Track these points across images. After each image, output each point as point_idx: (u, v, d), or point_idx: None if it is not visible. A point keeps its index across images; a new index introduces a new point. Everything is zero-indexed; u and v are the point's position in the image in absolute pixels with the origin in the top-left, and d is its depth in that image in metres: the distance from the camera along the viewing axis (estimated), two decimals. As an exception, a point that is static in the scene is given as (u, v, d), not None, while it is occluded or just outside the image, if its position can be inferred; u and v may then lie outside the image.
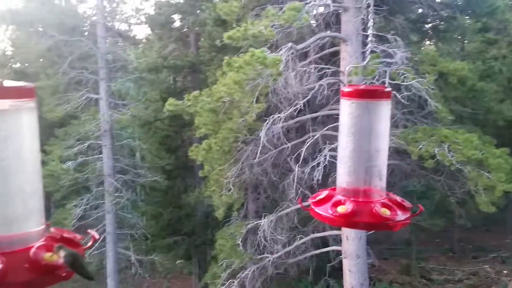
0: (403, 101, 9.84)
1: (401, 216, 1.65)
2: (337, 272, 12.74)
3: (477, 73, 12.43)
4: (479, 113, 13.17)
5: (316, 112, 11.93)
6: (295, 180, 11.09)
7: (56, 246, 1.17)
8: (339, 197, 1.75)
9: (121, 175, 14.79)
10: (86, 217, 14.24)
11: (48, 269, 1.14)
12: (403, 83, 9.79)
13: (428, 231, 16.93)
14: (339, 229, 11.61)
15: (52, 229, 1.30)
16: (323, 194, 1.81)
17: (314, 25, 11.85)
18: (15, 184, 1.19)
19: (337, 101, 11.34)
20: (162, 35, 17.43)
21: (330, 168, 10.71)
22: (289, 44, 10.02)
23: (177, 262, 17.37)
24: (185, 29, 18.00)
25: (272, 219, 11.92)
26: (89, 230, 1.42)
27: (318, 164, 10.70)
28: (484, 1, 13.25)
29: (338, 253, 11.89)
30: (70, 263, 1.14)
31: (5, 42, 18.63)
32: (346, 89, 1.73)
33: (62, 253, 1.14)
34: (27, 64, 18.13)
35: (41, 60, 15.53)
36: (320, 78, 11.13)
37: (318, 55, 11.51)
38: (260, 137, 10.76)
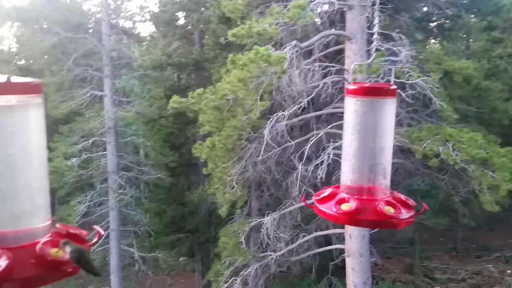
0: (407, 99, 9.82)
1: (405, 214, 1.64)
2: (340, 270, 12.73)
3: (482, 72, 12.39)
4: (484, 112, 13.12)
5: (320, 110, 11.91)
6: (299, 178, 11.09)
7: (62, 242, 1.17)
8: (343, 195, 1.75)
9: (125, 172, 14.84)
10: (90, 213, 14.30)
11: (54, 265, 1.15)
12: (407, 82, 9.76)
13: (432, 230, 16.89)
14: (342, 227, 11.61)
15: (58, 225, 1.30)
16: (327, 192, 1.81)
17: (319, 23, 11.83)
18: (22, 180, 1.19)
19: (341, 99, 11.32)
20: (167, 32, 17.45)
21: (334, 166, 10.70)
22: (294, 42, 10.01)
23: (180, 259, 17.41)
24: (190, 27, 18.01)
25: (275, 217, 11.92)
26: (94, 226, 1.43)
27: (322, 162, 10.70)
28: (489, 0, 13.18)
29: (341, 251, 11.89)
30: (76, 258, 1.14)
31: (10, 39, 18.73)
32: (351, 86, 1.73)
33: (68, 249, 1.15)
34: (32, 61, 18.21)
35: (46, 57, 15.59)
36: (325, 76, 11.11)
37: (322, 53, 11.49)
38: (264, 135, 10.76)
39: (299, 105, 11.00)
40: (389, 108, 1.72)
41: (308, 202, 1.92)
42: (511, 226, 20.15)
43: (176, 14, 17.69)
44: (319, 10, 10.93)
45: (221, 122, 10.95)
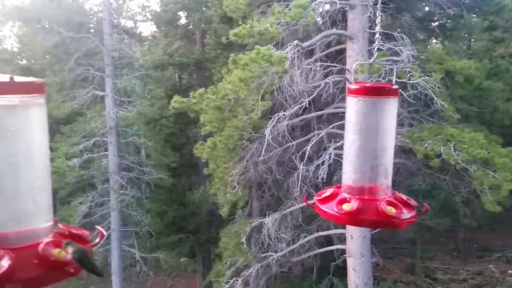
0: (409, 99, 9.81)
1: (406, 214, 1.64)
2: (341, 271, 12.73)
3: (484, 72, 12.34)
4: (485, 112, 13.11)
5: (322, 110, 11.91)
6: (300, 179, 11.09)
7: (65, 242, 1.17)
8: (344, 194, 1.75)
9: (126, 173, 14.84)
10: (91, 214, 14.30)
11: (57, 265, 1.15)
12: (409, 81, 9.76)
13: (433, 230, 16.88)
14: (344, 227, 11.61)
15: (60, 225, 1.30)
16: (329, 192, 1.81)
17: (320, 22, 11.82)
18: (24, 180, 1.19)
19: (343, 99, 11.34)
20: (168, 32, 17.45)
21: (335, 166, 10.70)
22: (295, 42, 10.00)
23: (181, 260, 17.40)
24: (191, 27, 18.02)
25: (277, 217, 11.92)
26: (96, 226, 1.43)
27: (323, 162, 10.70)
28: (491, 0, 13.18)
29: (343, 252, 11.89)
30: (79, 259, 1.14)
31: (12, 39, 18.76)
32: (353, 86, 1.73)
33: (70, 249, 1.15)
34: (33, 61, 18.22)
35: (48, 56, 15.59)
36: (326, 76, 11.12)
37: (324, 53, 11.49)
38: (265, 135, 10.76)
39: (300, 105, 11.00)
40: (391, 108, 1.72)
41: (310, 202, 1.92)
42: (512, 226, 20.14)
43: (178, 13, 17.71)
44: (320, 9, 10.92)
45: (222, 122, 10.95)
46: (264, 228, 11.99)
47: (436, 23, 14.59)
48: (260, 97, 10.29)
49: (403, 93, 9.58)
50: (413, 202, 1.72)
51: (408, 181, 13.54)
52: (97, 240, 1.34)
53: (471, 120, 12.47)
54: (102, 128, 14.40)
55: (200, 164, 16.38)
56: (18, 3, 14.94)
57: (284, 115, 10.96)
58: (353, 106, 1.74)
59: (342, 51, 11.50)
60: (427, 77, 9.95)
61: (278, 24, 9.69)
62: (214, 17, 14.65)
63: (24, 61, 20.04)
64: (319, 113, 11.87)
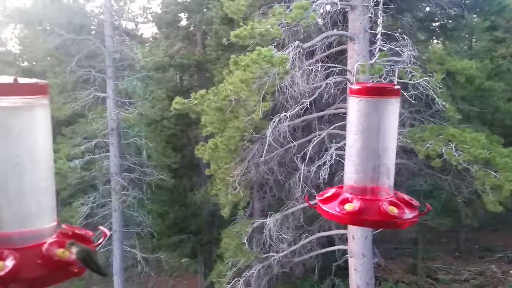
0: (410, 100, 9.81)
1: (408, 214, 1.65)
2: (343, 271, 12.73)
3: (485, 72, 12.33)
4: (486, 112, 13.09)
5: (323, 110, 11.92)
6: (301, 179, 11.09)
7: (68, 243, 1.18)
8: (346, 195, 1.75)
9: (127, 174, 14.85)
10: (92, 215, 14.31)
11: (61, 265, 1.16)
12: (410, 82, 9.76)
13: (435, 231, 16.87)
14: (345, 228, 11.61)
15: (63, 226, 1.31)
16: (330, 192, 1.81)
17: (321, 23, 11.82)
18: (28, 181, 1.20)
19: (344, 100, 11.35)
20: (169, 33, 17.46)
21: (336, 167, 10.71)
22: (296, 43, 10.01)
23: (182, 260, 17.41)
24: (192, 28, 18.03)
25: (278, 218, 11.93)
26: (100, 227, 1.44)
27: (324, 163, 10.70)
28: (492, 0, 13.17)
29: (344, 252, 11.88)
30: (83, 259, 1.15)
31: (13, 41, 18.77)
32: (355, 86, 1.73)
33: (74, 249, 1.16)
34: (34, 63, 18.21)
35: (49, 58, 15.61)
36: (327, 76, 11.13)
37: (325, 54, 11.49)
38: (266, 136, 10.77)
39: (301, 106, 11.00)
40: (393, 108, 1.73)
41: (311, 202, 1.92)
42: (514, 226, 20.10)
43: (179, 15, 17.71)
44: (321, 10, 10.93)
45: (223, 123, 10.96)
46: (265, 229, 11.99)
47: (437, 23, 14.58)
48: (261, 98, 10.30)
49: (404, 93, 9.58)
50: (415, 202, 1.72)
51: (409, 181, 13.54)
52: (101, 240, 1.34)
53: (472, 120, 12.46)
54: (103, 129, 14.42)
55: (202, 165, 16.39)
56: (19, 5, 14.97)
57: (285, 116, 10.96)
58: (355, 107, 1.74)
59: (343, 52, 11.50)
60: (428, 78, 9.95)
61: (279, 25, 9.70)
62: (215, 19, 14.67)
63: (26, 63, 20.03)
64: (320, 113, 11.87)
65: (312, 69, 10.88)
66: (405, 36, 10.34)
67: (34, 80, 1.21)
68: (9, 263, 1.10)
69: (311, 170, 10.98)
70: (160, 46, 15.70)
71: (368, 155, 1.74)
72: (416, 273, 17.76)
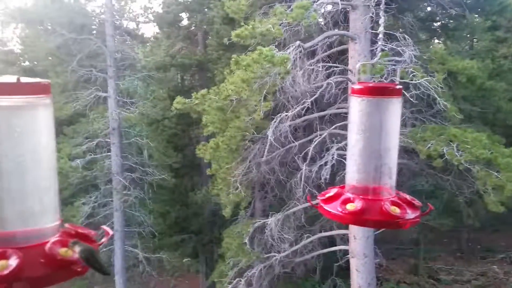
0: (411, 99, 9.81)
1: (410, 214, 1.64)
2: (344, 271, 12.73)
3: (487, 72, 12.32)
4: (488, 112, 13.08)
5: (324, 110, 11.92)
6: (303, 179, 11.09)
7: (71, 242, 1.18)
8: (348, 194, 1.75)
9: (129, 173, 14.87)
10: (94, 215, 14.32)
11: (64, 264, 1.16)
12: (411, 82, 9.75)
13: (436, 231, 16.85)
14: (347, 228, 11.60)
15: (66, 225, 1.31)
16: (332, 192, 1.81)
17: (322, 23, 11.83)
18: (31, 180, 1.20)
19: (345, 100, 11.35)
20: (170, 33, 17.47)
21: (338, 167, 10.70)
22: (297, 43, 10.01)
23: (184, 260, 17.43)
24: (193, 28, 18.05)
25: (279, 217, 11.93)
26: (102, 226, 1.44)
27: (326, 163, 10.70)
28: (494, -1, 13.17)
29: (346, 252, 11.88)
30: (86, 258, 1.15)
31: (15, 40, 18.80)
32: (357, 86, 1.73)
33: (77, 248, 1.16)
34: (36, 62, 18.24)
35: (50, 58, 15.62)
36: (328, 76, 11.12)
37: (326, 54, 11.49)
38: (268, 136, 10.77)
39: (302, 106, 11.00)
40: (395, 107, 1.72)
41: (313, 202, 1.92)
42: (516, 227, 20.07)
43: (180, 15, 17.72)
44: (322, 10, 10.92)
45: (224, 123, 10.96)
46: (267, 229, 11.99)
47: (438, 23, 14.57)
48: (262, 98, 10.30)
49: (405, 93, 9.58)
50: (417, 202, 1.72)
51: (411, 181, 13.54)
52: (104, 239, 1.34)
53: (474, 120, 12.45)
54: (105, 129, 14.43)
55: (203, 165, 16.39)
56: (20, 5, 14.99)
57: (286, 115, 10.97)
58: (356, 106, 1.74)
59: (344, 52, 11.50)
60: (429, 77, 9.94)
61: (280, 25, 9.70)
62: (216, 18, 14.67)
63: (27, 63, 20.07)
64: (322, 113, 11.87)
65: (313, 69, 10.88)
66: (406, 36, 10.32)
67: (36, 80, 1.21)
68: (13, 262, 1.10)
69: (312, 170, 10.98)
70: (161, 45, 15.70)
71: (370, 155, 1.74)
72: (418, 274, 17.75)
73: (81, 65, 14.10)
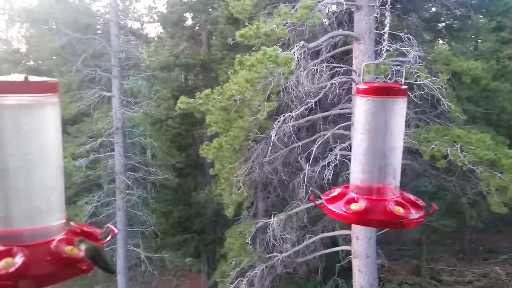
0: (415, 100, 9.79)
1: (414, 214, 1.64)
2: (346, 272, 12.70)
3: (491, 73, 12.28)
4: (492, 113, 13.05)
5: (327, 111, 11.90)
6: (305, 179, 11.09)
7: (77, 240, 1.19)
8: (352, 194, 1.75)
9: (132, 173, 14.90)
10: (97, 214, 14.35)
11: (69, 262, 1.16)
12: (416, 82, 9.74)
13: (439, 232, 16.80)
14: (349, 228, 11.59)
15: (72, 223, 1.32)
16: (336, 191, 1.81)
17: (327, 23, 11.81)
18: (38, 178, 1.21)
19: (349, 100, 11.34)
20: (174, 33, 17.50)
21: (341, 167, 10.70)
22: (301, 43, 10.00)
23: (186, 260, 17.44)
24: (197, 28, 18.07)
25: (282, 218, 11.92)
26: (108, 225, 1.44)
27: (329, 163, 10.69)
28: (499, 0, 13.11)
29: (348, 253, 11.87)
30: (91, 256, 1.16)
31: (19, 40, 18.87)
32: (362, 86, 1.73)
33: (83, 247, 1.16)
34: (40, 62, 18.30)
35: (55, 57, 15.66)
36: (332, 76, 11.11)
37: (330, 54, 11.48)
38: (271, 136, 10.77)
39: (306, 106, 11.00)
40: (400, 108, 1.73)
41: (317, 202, 1.92)
42: (519, 228, 19.99)
43: (184, 15, 17.76)
44: (327, 10, 10.91)
45: (228, 123, 10.97)
46: (269, 229, 11.99)
47: (443, 23, 14.53)
48: (266, 98, 10.31)
49: (409, 94, 9.56)
50: (421, 202, 1.72)
51: (414, 182, 13.50)
52: (109, 237, 1.35)
53: (478, 121, 12.42)
54: (108, 128, 14.46)
55: (206, 165, 16.41)
56: (25, 5, 15.04)
57: (290, 116, 10.97)
58: (361, 106, 1.74)
59: (348, 52, 11.48)
60: (434, 78, 9.93)
61: (284, 25, 9.70)
62: (220, 18, 14.68)
63: (32, 62, 20.14)
64: (325, 114, 11.86)
65: (317, 69, 10.87)
66: (410, 37, 10.31)
67: (44, 78, 1.22)
68: (19, 259, 1.11)
69: (315, 170, 10.97)
70: (165, 45, 15.72)
71: (375, 155, 1.74)
72: (420, 275, 17.70)
73: (85, 64, 14.14)
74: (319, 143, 10.99)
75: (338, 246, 12.66)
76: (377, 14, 9.98)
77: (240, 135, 10.88)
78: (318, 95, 10.88)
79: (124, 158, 14.61)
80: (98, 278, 17.03)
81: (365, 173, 1.76)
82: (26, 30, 16.62)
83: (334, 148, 10.92)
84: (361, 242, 11.04)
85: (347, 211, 1.67)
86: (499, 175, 9.59)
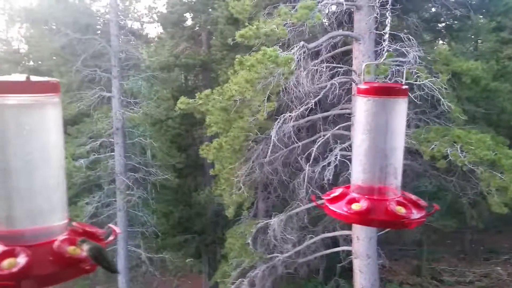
0: (415, 100, 9.79)
1: (416, 214, 1.64)
2: (347, 272, 12.70)
3: (491, 73, 12.28)
4: (492, 113, 13.05)
5: (327, 111, 11.90)
6: (306, 180, 11.09)
7: (80, 240, 1.19)
8: (353, 194, 1.75)
9: (132, 173, 14.90)
10: (97, 214, 14.34)
11: (72, 262, 1.16)
12: (415, 83, 9.74)
13: (440, 232, 16.80)
14: (350, 229, 11.59)
15: (74, 224, 1.32)
16: (337, 191, 1.81)
17: (327, 23, 11.81)
18: (39, 178, 1.21)
19: (349, 101, 11.34)
20: (174, 33, 17.51)
21: (341, 168, 10.69)
22: (301, 43, 10.00)
23: (187, 260, 17.43)
24: (197, 28, 18.08)
25: (282, 218, 11.92)
26: (110, 225, 1.44)
27: (329, 163, 10.69)
28: (499, 0, 13.11)
29: (349, 253, 11.86)
30: (94, 256, 1.16)
31: (19, 40, 18.88)
32: (363, 86, 1.73)
33: (86, 247, 1.16)
34: (40, 62, 18.30)
35: (55, 58, 15.66)
36: (332, 77, 11.11)
37: (330, 54, 11.48)
38: (271, 136, 10.77)
39: (306, 106, 11.00)
40: (401, 108, 1.73)
41: (318, 202, 1.92)
42: (519, 228, 19.98)
43: (184, 15, 17.77)
44: (327, 10, 10.91)
45: (228, 123, 10.97)
46: (269, 229, 11.99)
47: (443, 24, 14.53)
48: (266, 98, 10.31)
49: (409, 94, 9.55)
50: (422, 202, 1.72)
51: (414, 182, 13.50)
52: (111, 237, 1.35)
53: (478, 121, 12.42)
54: (108, 129, 14.46)
55: (206, 165, 16.41)
56: (25, 5, 15.05)
57: (290, 116, 10.96)
58: (362, 106, 1.74)
59: (348, 52, 11.48)
60: (433, 78, 9.93)
61: (284, 25, 9.70)
62: (220, 19, 14.69)
63: (32, 63, 20.14)
64: (325, 114, 11.86)
65: (317, 69, 10.87)
66: (410, 37, 10.31)
67: (46, 78, 1.22)
68: (21, 260, 1.11)
69: (315, 170, 10.97)
70: (165, 46, 15.73)
71: (376, 155, 1.74)
72: (421, 275, 17.70)
73: (85, 65, 14.13)
74: (319, 143, 10.99)
75: (339, 246, 12.66)
76: (377, 15, 9.98)
77: (240, 136, 10.88)
78: (318, 95, 10.88)
79: (124, 158, 14.61)
80: (99, 279, 17.03)
81: (366, 173, 1.76)
82: (26, 30, 16.65)
83: (334, 148, 10.92)
84: (362, 243, 11.04)
85: (349, 211, 1.67)
86: (499, 175, 9.59)
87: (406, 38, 10.21)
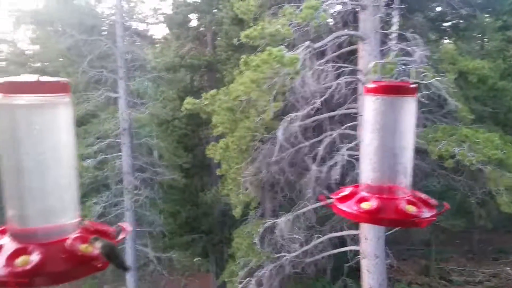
0: (422, 100, 9.75)
1: (426, 213, 1.64)
2: (355, 272, 12.66)
3: (498, 72, 12.22)
4: (500, 112, 12.97)
5: (334, 111, 11.87)
6: (313, 179, 11.07)
7: (92, 238, 1.20)
8: (363, 193, 1.74)
9: (139, 173, 14.95)
10: (105, 214, 14.40)
11: (84, 260, 1.18)
12: (422, 82, 9.69)
13: (448, 232, 16.72)
14: (357, 228, 11.55)
15: (86, 222, 1.33)
16: (347, 191, 1.81)
17: (332, 23, 11.79)
18: (51, 177, 1.22)
19: (355, 100, 11.31)
20: (180, 34, 17.55)
21: (348, 167, 10.67)
22: (307, 43, 9.99)
23: (194, 259, 17.46)
24: (202, 28, 18.10)
25: (289, 218, 11.90)
26: (120, 223, 1.45)
27: (336, 163, 10.67)
28: (505, -1, 13.06)
29: (356, 253, 11.83)
30: (106, 254, 1.17)
31: (26, 42, 19.00)
32: (371, 85, 1.72)
33: (98, 244, 1.17)
34: (47, 63, 18.40)
35: (61, 59, 15.75)
36: (338, 76, 11.08)
37: (335, 54, 11.45)
38: (277, 136, 10.76)
39: (312, 106, 10.99)
40: (410, 106, 1.72)
41: (327, 201, 1.92)
42: (528, 228, 19.82)
43: (189, 16, 17.80)
44: (332, 10, 10.89)
45: (234, 123, 10.98)
46: (277, 229, 11.98)
47: (449, 23, 14.47)
48: (272, 98, 10.30)
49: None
50: (432, 201, 1.71)
51: (422, 182, 13.43)
52: (122, 235, 1.36)
53: (485, 120, 12.35)
54: (115, 129, 14.52)
55: (213, 165, 16.43)
56: (32, 7, 15.15)
57: (296, 116, 10.95)
58: (371, 105, 1.73)
59: (354, 52, 11.45)
60: (440, 78, 9.88)
61: (289, 25, 9.70)
62: (225, 19, 14.70)
63: (38, 64, 20.25)
64: (331, 114, 11.83)
65: (322, 69, 10.85)
66: (416, 36, 10.26)
67: (56, 78, 1.23)
68: (34, 257, 1.12)
69: (322, 170, 10.95)
70: (170, 46, 15.79)
71: (385, 154, 1.73)
72: (429, 275, 17.62)
73: (91, 66, 14.20)
74: (325, 143, 10.98)
75: (346, 246, 12.62)
76: (382, 14, 9.94)
77: (247, 136, 10.88)
78: (324, 95, 10.87)
79: (131, 158, 14.67)
80: (107, 278, 17.10)
81: (376, 172, 1.75)
82: (33, 32, 16.73)
83: (341, 148, 10.89)
84: (369, 243, 11.00)
85: (359, 210, 1.66)
86: (508, 174, 9.53)
87: (411, 37, 10.17)
